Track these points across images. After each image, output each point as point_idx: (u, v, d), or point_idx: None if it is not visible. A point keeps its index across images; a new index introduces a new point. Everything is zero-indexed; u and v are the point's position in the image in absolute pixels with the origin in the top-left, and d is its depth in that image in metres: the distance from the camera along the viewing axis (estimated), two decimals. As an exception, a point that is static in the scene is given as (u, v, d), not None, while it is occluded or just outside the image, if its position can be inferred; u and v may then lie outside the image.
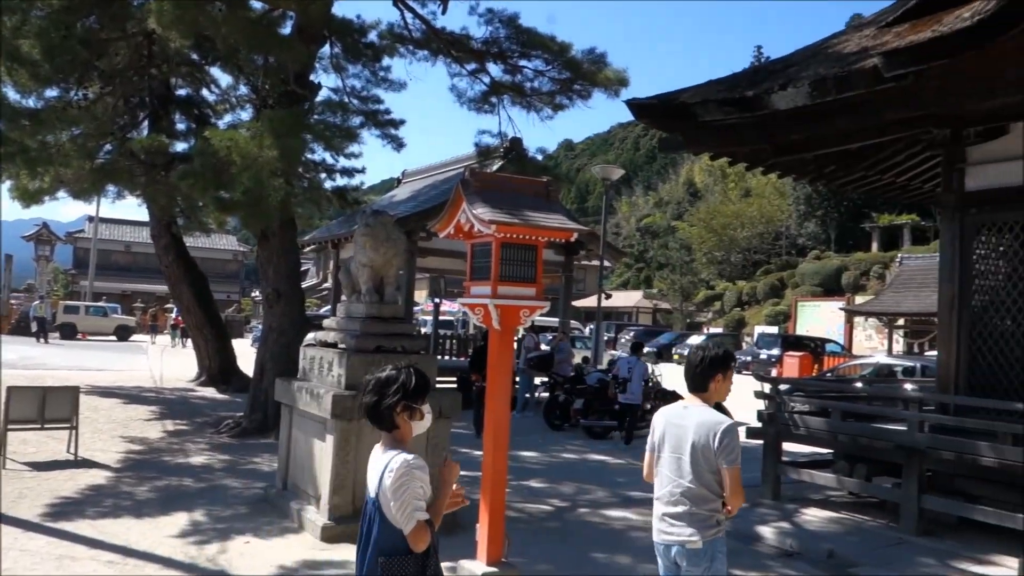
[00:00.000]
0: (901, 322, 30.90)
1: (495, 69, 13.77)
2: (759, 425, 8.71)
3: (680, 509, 3.52)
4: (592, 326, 21.47)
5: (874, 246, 45.21)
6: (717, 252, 54.65)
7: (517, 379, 14.23)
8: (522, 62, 13.57)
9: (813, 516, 7.89)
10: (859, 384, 10.68)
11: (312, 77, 12.19)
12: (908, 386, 11.18)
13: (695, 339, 38.04)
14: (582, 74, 13.23)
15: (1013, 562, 6.06)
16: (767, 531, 7.27)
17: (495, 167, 14.69)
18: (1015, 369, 7.27)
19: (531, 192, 5.09)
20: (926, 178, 9.32)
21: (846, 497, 8.67)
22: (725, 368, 3.62)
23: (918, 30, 6.36)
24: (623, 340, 39.30)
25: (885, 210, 45.33)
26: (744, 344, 37.91)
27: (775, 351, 29.76)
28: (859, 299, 35.38)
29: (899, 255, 36.23)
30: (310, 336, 7.99)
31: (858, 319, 34.30)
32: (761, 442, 8.65)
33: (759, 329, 38.45)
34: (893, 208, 44.79)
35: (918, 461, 7.10)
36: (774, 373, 26.06)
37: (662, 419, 3.71)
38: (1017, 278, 7.46)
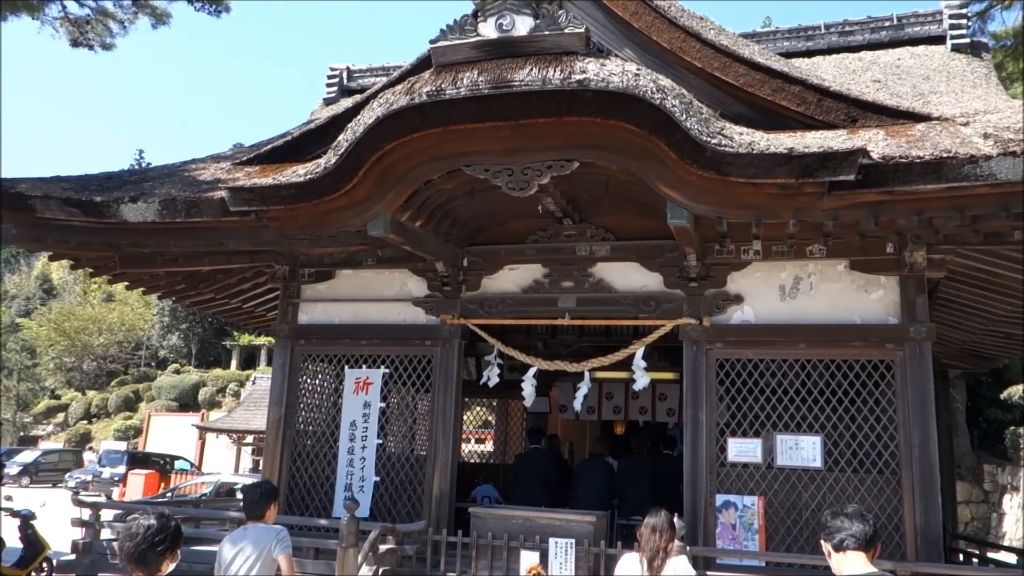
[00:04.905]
0: (250, 439, 32.10)
1: None
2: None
3: None
4: None
5: (233, 363, 46.60)
6: (67, 358, 49.42)
7: None
8: None
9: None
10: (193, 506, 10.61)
11: None
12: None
13: (28, 455, 33.13)
14: None
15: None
16: None
17: None
18: (324, 487, 8.10)
19: None
20: (270, 307, 10.06)
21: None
22: (275, 499, 5.01)
23: (265, 174, 7.00)
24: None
25: (246, 330, 47.44)
26: (87, 461, 34.50)
27: (120, 469, 27.81)
28: (214, 415, 35.77)
29: (254, 374, 38.00)
30: None
31: (211, 435, 34.49)
32: (72, 576, 7.81)
33: (105, 444, 35.59)
34: (253, 330, 47.18)
35: (233, 581, 7.25)
36: (117, 493, 24.24)
37: (228, 542, 4.85)
38: (330, 405, 8.48)
